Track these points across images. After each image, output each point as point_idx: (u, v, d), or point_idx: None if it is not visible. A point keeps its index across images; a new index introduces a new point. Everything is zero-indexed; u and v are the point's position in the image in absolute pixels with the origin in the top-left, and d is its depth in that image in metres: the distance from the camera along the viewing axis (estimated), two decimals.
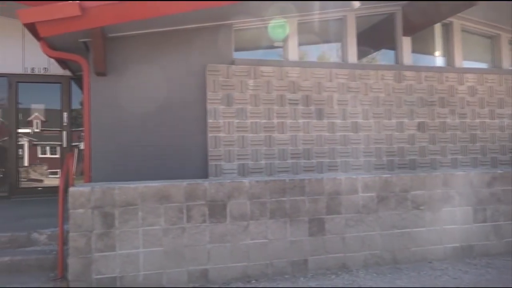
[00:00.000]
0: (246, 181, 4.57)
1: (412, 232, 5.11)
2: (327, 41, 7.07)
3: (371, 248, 4.93)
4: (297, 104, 6.25)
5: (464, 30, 7.30)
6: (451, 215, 5.26)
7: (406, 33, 6.84)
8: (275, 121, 6.17)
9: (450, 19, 6.95)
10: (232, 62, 6.13)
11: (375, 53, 7.46)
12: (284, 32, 6.45)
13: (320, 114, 6.32)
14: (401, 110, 6.59)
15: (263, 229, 4.55)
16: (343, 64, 6.63)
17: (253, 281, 4.42)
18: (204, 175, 5.89)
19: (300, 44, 6.55)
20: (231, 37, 6.23)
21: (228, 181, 4.54)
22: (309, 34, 6.73)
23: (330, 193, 4.83)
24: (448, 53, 7.24)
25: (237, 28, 6.34)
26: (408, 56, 6.87)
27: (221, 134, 5.96)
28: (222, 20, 6.09)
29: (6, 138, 7.86)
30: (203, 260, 4.35)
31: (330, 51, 7.05)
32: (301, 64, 6.42)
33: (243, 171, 6.00)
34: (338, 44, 6.86)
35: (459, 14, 6.76)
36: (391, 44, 6.99)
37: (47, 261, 4.32)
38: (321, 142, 6.29)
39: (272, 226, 4.58)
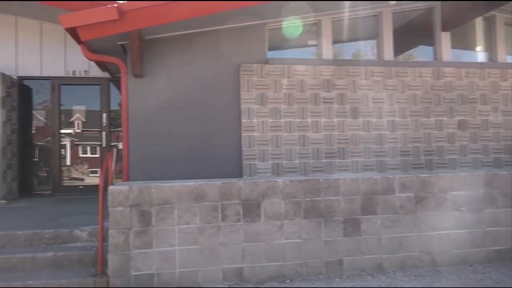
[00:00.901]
0: (280, 180, 4.56)
1: (452, 233, 4.94)
2: (362, 38, 6.94)
3: (409, 250, 4.81)
4: (331, 102, 6.18)
5: (507, 24, 6.98)
6: (494, 217, 5.05)
7: (445, 28, 6.62)
8: (309, 120, 6.13)
9: (492, 12, 6.66)
10: (266, 62, 6.13)
11: (412, 50, 7.25)
12: (317, 30, 6.39)
13: (355, 113, 6.22)
14: (440, 108, 6.38)
15: (298, 229, 4.53)
16: (379, 61, 6.50)
17: (288, 281, 4.41)
18: (238, 174, 5.92)
19: (334, 42, 6.47)
20: (265, 37, 6.23)
21: (262, 180, 4.55)
22: (343, 32, 6.63)
23: (366, 193, 4.74)
24: (490, 48, 6.94)
25: (271, 27, 6.33)
26: (447, 52, 6.64)
27: (255, 134, 5.98)
28: (255, 19, 6.10)
29: (49, 138, 8.21)
30: (238, 258, 4.38)
31: (365, 49, 6.92)
32: (335, 62, 6.34)
33: (277, 171, 6.00)
34: (374, 41, 6.72)
35: (502, 7, 6.48)
36: (429, 40, 6.78)
37: (88, 257, 4.47)
38: (356, 141, 6.19)
39: (306, 226, 4.56)
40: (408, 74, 6.34)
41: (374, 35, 6.66)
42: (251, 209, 4.44)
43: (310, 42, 6.66)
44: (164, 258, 4.23)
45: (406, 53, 7.17)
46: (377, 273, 4.62)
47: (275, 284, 4.34)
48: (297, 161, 6.05)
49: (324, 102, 6.16)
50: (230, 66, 6.05)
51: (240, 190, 4.43)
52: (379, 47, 6.59)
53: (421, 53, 7.09)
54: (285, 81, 6.09)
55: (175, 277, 4.24)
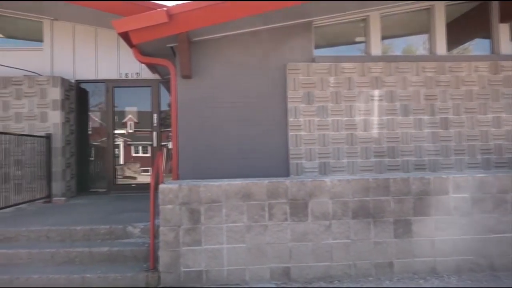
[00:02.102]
0: (327, 180, 4.50)
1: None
2: (412, 33, 6.71)
3: (465, 253, 4.58)
4: (380, 100, 6.02)
5: None
6: None
7: (503, 19, 6.25)
8: (357, 118, 6.00)
9: None
10: (313, 60, 6.07)
11: (467, 44, 6.90)
12: (365, 26, 6.25)
13: (405, 110, 6.02)
14: (498, 104, 6.04)
15: (346, 229, 4.45)
16: (431, 56, 6.25)
17: (336, 282, 4.35)
18: (285, 173, 5.91)
19: (383, 37, 6.30)
20: (311, 35, 6.18)
21: (309, 179, 4.50)
22: (392, 27, 6.44)
23: (418, 193, 4.58)
24: None
25: (317, 25, 6.27)
26: (506, 45, 6.27)
27: (302, 133, 5.94)
28: (302, 18, 6.06)
29: (104, 138, 8.60)
30: (285, 258, 4.37)
31: (416, 44, 6.67)
32: (385, 58, 6.17)
33: (324, 170, 5.93)
34: (425, 36, 6.47)
35: None
36: (486, 32, 6.44)
37: (140, 252, 4.64)
38: (407, 140, 5.99)
39: (355, 226, 4.47)
40: (463, 69, 6.06)
41: (426, 29, 6.41)
42: (298, 209, 4.42)
43: (357, 39, 6.52)
44: (212, 256, 4.31)
45: (460, 47, 6.84)
46: (430, 277, 4.45)
47: (322, 284, 4.30)
48: (345, 160, 5.95)
49: (372, 99, 6.02)
50: (276, 65, 6.06)
51: (287, 190, 4.42)
52: (431, 42, 6.34)
53: (477, 46, 6.73)
54: (332, 79, 6.01)
55: (223, 275, 4.30)
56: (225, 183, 4.39)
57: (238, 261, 4.32)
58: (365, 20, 6.33)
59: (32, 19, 8.20)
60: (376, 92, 6.03)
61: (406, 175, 4.82)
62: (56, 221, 5.42)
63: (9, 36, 8.49)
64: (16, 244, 4.85)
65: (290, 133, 5.93)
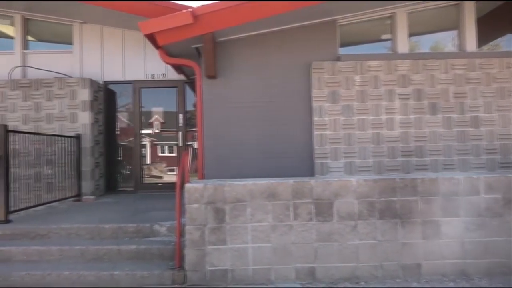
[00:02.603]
0: (353, 179, 4.45)
1: None
2: (440, 30, 6.56)
3: (496, 256, 4.45)
4: (407, 98, 5.91)
5: None
6: None
7: None
8: (384, 117, 5.91)
9: None
10: (338, 58, 6.02)
11: (498, 39, 6.70)
12: (392, 23, 6.15)
13: (433, 109, 5.89)
14: None
15: (372, 230, 4.39)
16: (460, 53, 6.09)
17: (362, 283, 4.30)
18: (310, 173, 5.88)
19: (410, 34, 6.19)
20: (336, 33, 6.12)
21: (335, 179, 4.46)
22: (420, 24, 6.31)
23: (446, 194, 4.47)
24: None
25: (342, 23, 6.21)
26: None
27: (327, 132, 5.90)
28: (326, 16, 6.02)
29: (131, 138, 8.76)
30: (310, 258, 4.35)
31: (444, 40, 6.52)
32: (412, 56, 6.05)
33: (350, 170, 5.87)
34: (454, 32, 6.32)
35: None
36: None
37: (167, 251, 4.71)
38: (435, 139, 5.86)
39: (381, 227, 4.40)
40: (494, 65, 5.89)
41: (455, 25, 6.26)
42: (323, 209, 4.39)
43: (384, 36, 6.42)
44: (237, 255, 4.33)
45: (491, 43, 6.65)
46: (459, 279, 4.34)
47: (348, 285, 4.25)
48: (371, 160, 5.87)
49: (399, 98, 5.92)
50: (301, 65, 6.03)
51: (312, 189, 4.39)
52: (461, 38, 6.18)
53: (508, 42, 6.52)
54: (357, 78, 5.94)
55: (248, 274, 4.31)
56: (250, 182, 4.40)
57: (263, 260, 4.33)
58: (391, 17, 6.23)
59: (62, 22, 8.44)
60: (403, 91, 5.92)
61: (434, 175, 4.71)
62: (86, 219, 5.56)
63: (40, 40, 8.76)
64: (48, 241, 5.01)
65: (315, 132, 5.90)
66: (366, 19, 6.27)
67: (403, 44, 6.14)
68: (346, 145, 5.92)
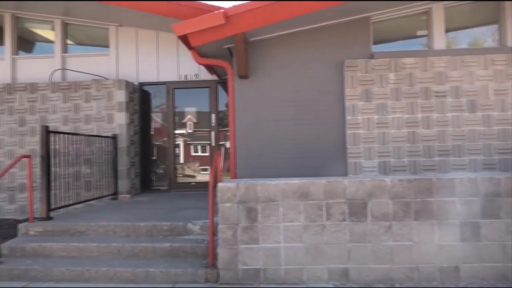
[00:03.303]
0: (387, 179, 4.36)
1: None
2: (479, 25, 6.33)
3: None
4: (444, 96, 5.74)
5: None
6: None
7: None
8: (419, 115, 5.76)
9: None
10: (371, 56, 5.92)
11: None
12: (428, 19, 5.98)
13: (472, 107, 5.69)
14: None
15: (407, 231, 4.28)
16: (501, 48, 5.86)
17: (397, 285, 4.20)
18: (343, 172, 5.81)
19: (447, 30, 6.00)
20: (369, 30, 6.02)
21: (368, 179, 4.38)
22: (457, 19, 6.12)
23: (486, 194, 4.30)
24: None
25: (375, 20, 6.09)
26: None
27: (360, 131, 5.81)
28: (359, 14, 5.93)
29: (165, 138, 8.93)
30: (344, 258, 4.29)
31: (483, 35, 6.28)
32: (449, 52, 5.87)
33: (384, 169, 5.75)
34: (494, 27, 6.08)
35: None
36: None
37: (200, 249, 4.77)
38: (474, 138, 5.66)
39: (417, 228, 4.29)
40: None
41: (495, 19, 6.03)
42: (356, 209, 4.32)
43: (419, 33, 6.26)
44: (270, 254, 4.33)
45: None
46: (500, 284, 4.17)
47: (382, 287, 4.17)
48: (406, 159, 5.74)
49: (436, 96, 5.75)
50: (333, 63, 5.97)
51: (345, 189, 4.34)
52: (501, 33, 5.94)
53: None
54: (392, 76, 5.82)
55: (281, 274, 4.31)
56: (282, 182, 4.39)
57: (295, 260, 4.31)
58: (427, 12, 6.06)
59: (99, 26, 8.70)
60: (440, 88, 5.75)
61: (473, 175, 4.55)
62: (122, 217, 5.71)
63: (79, 43, 9.06)
64: (87, 238, 5.18)
65: (348, 131, 5.82)
66: (400, 15, 6.13)
67: (439, 40, 5.96)
68: (380, 144, 5.81)
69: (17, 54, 8.80)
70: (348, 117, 5.84)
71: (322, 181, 4.37)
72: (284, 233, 4.33)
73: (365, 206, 4.32)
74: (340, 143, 5.90)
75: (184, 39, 5.63)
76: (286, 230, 4.33)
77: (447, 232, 4.27)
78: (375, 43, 6.11)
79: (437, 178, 4.35)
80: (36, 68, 8.58)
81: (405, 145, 5.78)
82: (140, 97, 8.68)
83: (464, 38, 6.28)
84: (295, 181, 4.40)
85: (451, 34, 6.15)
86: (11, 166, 5.38)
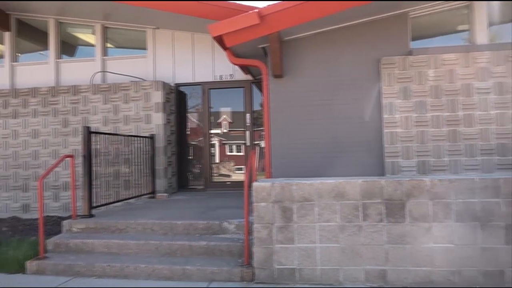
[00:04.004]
0: (427, 179, 4.23)
1: None
2: None
3: None
4: (487, 93, 5.51)
5: None
6: None
7: None
8: (461, 113, 5.56)
9: None
10: (409, 53, 5.77)
11: None
12: (469, 13, 5.76)
13: None
14: None
15: (448, 233, 4.14)
16: None
17: None
18: (380, 172, 5.70)
19: (490, 24, 5.76)
20: (407, 26, 5.86)
21: (407, 179, 4.27)
22: (501, 12, 5.85)
23: None
24: None
25: (414, 15, 5.93)
26: None
27: (398, 130, 5.67)
28: (396, 9, 5.79)
29: (201, 138, 9.05)
30: (381, 260, 4.20)
31: None
32: (492, 47, 5.63)
33: (423, 169, 5.59)
34: None
35: None
36: None
37: (235, 248, 4.81)
38: None
39: (458, 230, 4.14)
40: None
41: None
42: (394, 209, 4.22)
43: (460, 27, 6.05)
44: (305, 254, 4.30)
45: None
46: None
47: None
48: (446, 159, 5.55)
49: (478, 92, 5.54)
50: (369, 60, 5.86)
51: (382, 189, 4.25)
52: None
53: None
54: (431, 72, 5.65)
55: (316, 274, 4.27)
56: (317, 181, 4.35)
57: (331, 261, 4.26)
58: (468, 6, 5.84)
59: (137, 29, 8.93)
60: (483, 84, 5.53)
61: None
62: (160, 215, 5.84)
63: (118, 46, 9.35)
64: (126, 235, 5.33)
65: (385, 130, 5.70)
66: (440, 10, 5.94)
67: (482, 35, 5.73)
68: (419, 143, 5.65)
69: (60, 58, 9.17)
70: (385, 116, 5.71)
71: (358, 180, 4.29)
72: (320, 233, 4.30)
73: (403, 206, 4.21)
74: (376, 142, 5.78)
75: (219, 39, 5.69)
76: (321, 230, 4.30)
77: (491, 235, 4.10)
78: (413, 39, 5.95)
79: (480, 178, 4.18)
80: (78, 71, 8.92)
81: (445, 144, 5.60)
82: (177, 98, 8.84)
83: (508, 32, 6.01)
84: (331, 180, 4.35)
85: (494, 28, 5.89)
86: (55, 165, 5.61)
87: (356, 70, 5.89)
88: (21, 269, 4.91)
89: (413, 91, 5.69)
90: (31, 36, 9.57)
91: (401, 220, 4.20)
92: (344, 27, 5.94)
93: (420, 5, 5.79)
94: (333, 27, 5.95)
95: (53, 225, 6.72)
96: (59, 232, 5.72)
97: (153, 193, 7.86)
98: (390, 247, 4.20)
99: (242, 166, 8.94)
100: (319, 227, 4.30)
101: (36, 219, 6.31)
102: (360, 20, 5.88)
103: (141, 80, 8.46)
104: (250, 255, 4.49)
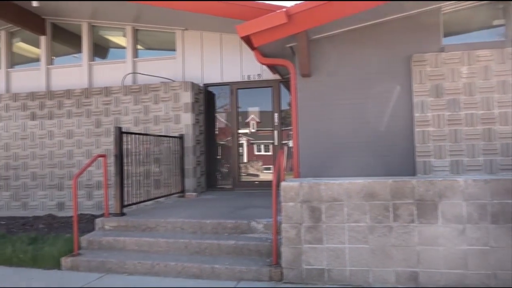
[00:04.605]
0: (460, 179, 4.11)
1: None
2: None
3: None
4: None
5: None
6: None
7: None
8: (496, 111, 5.38)
9: None
10: (441, 49, 5.62)
11: None
12: (505, 7, 5.55)
13: None
14: None
15: (483, 235, 4.01)
16: None
17: None
18: (410, 172, 5.58)
19: None
20: (439, 22, 5.71)
21: (439, 179, 4.16)
22: None
23: None
24: None
25: (446, 11, 5.77)
26: None
27: (430, 129, 5.53)
28: (428, 5, 5.64)
29: (229, 138, 9.11)
30: (412, 262, 4.11)
31: None
32: None
33: (456, 169, 5.44)
34: None
35: None
36: None
37: (264, 247, 4.81)
38: None
39: (494, 232, 3.99)
40: None
41: None
42: (426, 210, 4.12)
43: (495, 23, 5.84)
44: (334, 255, 4.26)
45: None
46: None
47: None
48: (481, 158, 5.38)
49: None
50: (399, 58, 5.75)
51: (413, 189, 4.15)
52: None
53: None
54: (464, 69, 5.49)
55: (346, 275, 4.22)
56: (346, 181, 4.30)
57: (361, 261, 4.21)
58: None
59: (166, 30, 9.08)
60: None
61: None
62: (189, 214, 5.91)
63: (148, 48, 9.53)
64: (156, 234, 5.42)
65: (416, 129, 5.57)
66: (473, 4, 5.75)
67: None
68: (452, 142, 5.49)
69: (93, 60, 9.43)
70: (416, 114, 5.58)
71: (388, 180, 4.22)
72: (349, 233, 4.24)
73: (435, 207, 4.10)
74: (407, 141, 5.66)
75: (247, 39, 5.70)
76: (350, 230, 4.24)
77: None
78: (445, 35, 5.79)
79: None
80: (109, 72, 9.15)
81: (479, 143, 5.42)
82: (205, 98, 8.93)
83: None
84: (360, 180, 4.29)
85: None
86: (89, 165, 5.77)
87: (386, 68, 5.79)
88: (56, 265, 5.08)
89: (445, 89, 5.54)
90: (65, 39, 9.89)
91: (434, 221, 4.09)
92: (374, 24, 5.84)
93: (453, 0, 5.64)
94: (361, 24, 5.86)
95: (87, 222, 6.92)
96: (92, 229, 5.89)
97: (182, 192, 7.97)
98: (422, 249, 4.10)
99: (270, 166, 8.94)
100: (348, 227, 4.25)
101: (71, 216, 6.51)
102: (390, 17, 5.77)
103: (170, 81, 8.59)
104: (278, 255, 4.48)
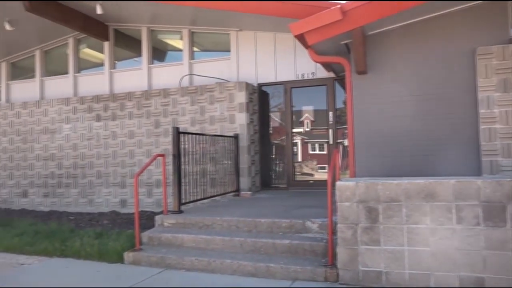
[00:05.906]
0: None
1: None
2: None
3: None
4: None
5: None
6: None
7: None
8: None
9: None
10: (509, 41, 5.26)
11: None
12: None
13: None
14: None
15: None
16: None
17: None
18: (476, 172, 5.27)
19: None
20: (507, 12, 5.34)
21: (508, 179, 3.90)
22: None
23: None
24: None
25: None
26: None
27: (497, 126, 5.20)
28: None
29: (283, 137, 9.11)
30: (478, 267, 3.89)
31: None
32: None
33: None
34: None
35: None
36: None
37: (319, 247, 4.76)
38: None
39: None
40: None
41: None
42: (493, 212, 3.87)
43: None
44: (392, 257, 4.13)
45: None
46: None
47: None
48: None
49: None
50: (462, 51, 5.45)
51: (478, 190, 3.92)
52: None
53: None
54: None
55: (405, 278, 4.08)
56: (404, 181, 4.15)
57: (421, 265, 4.04)
58: None
59: (221, 32, 9.24)
60: None
61: None
62: (244, 213, 5.98)
63: (203, 50, 9.77)
64: (213, 231, 5.55)
65: (482, 126, 5.25)
66: None
67: None
68: None
69: (152, 64, 9.82)
70: (482, 110, 5.26)
71: (451, 181, 4.01)
72: (408, 235, 4.09)
73: (504, 209, 3.85)
74: (471, 140, 5.35)
75: (301, 38, 5.66)
76: (409, 232, 4.09)
77: None
78: None
79: None
80: (167, 75, 9.48)
81: None
82: (259, 98, 8.99)
83: None
84: (420, 180, 4.12)
85: None
86: (149, 164, 6.02)
87: (447, 62, 5.51)
88: (119, 259, 5.35)
89: None
90: (127, 44, 10.38)
91: (502, 225, 3.84)
92: (433, 17, 5.58)
93: None
94: (420, 18, 5.61)
95: (147, 219, 7.22)
96: (152, 226, 6.13)
97: (237, 191, 8.08)
98: (488, 253, 3.87)
99: (325, 165, 8.82)
100: (407, 229, 4.10)
101: (132, 213, 6.82)
102: (451, 9, 5.48)
103: (225, 81, 8.74)
104: (334, 256, 4.42)
